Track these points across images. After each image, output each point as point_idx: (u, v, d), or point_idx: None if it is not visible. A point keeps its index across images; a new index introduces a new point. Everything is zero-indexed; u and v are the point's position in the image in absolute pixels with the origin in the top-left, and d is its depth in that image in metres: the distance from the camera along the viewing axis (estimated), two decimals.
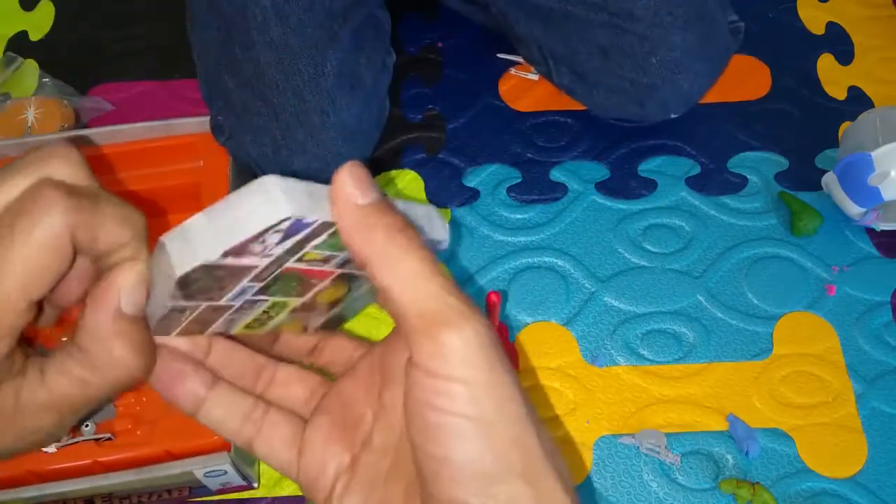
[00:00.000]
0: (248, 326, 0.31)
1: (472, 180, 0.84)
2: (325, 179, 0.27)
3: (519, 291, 0.77)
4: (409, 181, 0.85)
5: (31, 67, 0.92)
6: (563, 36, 0.79)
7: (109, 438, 0.63)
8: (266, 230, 0.25)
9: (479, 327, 0.25)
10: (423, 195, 0.83)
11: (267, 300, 0.29)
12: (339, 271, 0.30)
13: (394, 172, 0.85)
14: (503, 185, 0.84)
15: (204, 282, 0.26)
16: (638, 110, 0.82)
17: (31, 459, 0.61)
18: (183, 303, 0.27)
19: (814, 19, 0.96)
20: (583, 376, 0.73)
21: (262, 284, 0.28)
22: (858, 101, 0.89)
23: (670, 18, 0.75)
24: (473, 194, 0.83)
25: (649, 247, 0.80)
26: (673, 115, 0.82)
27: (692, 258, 0.79)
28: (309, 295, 0.30)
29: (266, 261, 0.27)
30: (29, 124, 0.83)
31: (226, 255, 0.25)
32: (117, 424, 0.63)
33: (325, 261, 0.29)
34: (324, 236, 0.27)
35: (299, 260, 0.28)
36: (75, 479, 0.60)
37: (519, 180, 0.84)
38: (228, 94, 0.71)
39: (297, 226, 0.26)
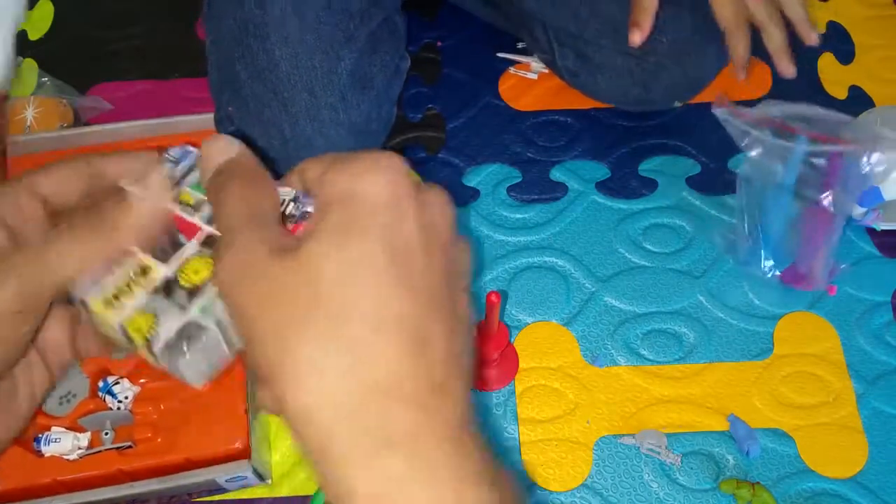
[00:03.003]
0: (107, 302, 0.31)
1: (472, 180, 0.84)
2: None
3: (519, 291, 0.77)
4: None
5: (30, 67, 0.92)
6: (573, 10, 0.78)
7: (130, 447, 0.63)
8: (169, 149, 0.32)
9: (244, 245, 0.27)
10: None
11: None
12: (207, 229, 0.31)
13: None
14: (503, 185, 0.84)
15: None
16: (642, 94, 0.80)
17: (56, 468, 0.61)
18: None
19: (814, 19, 0.96)
20: (583, 376, 0.73)
21: None
22: (859, 101, 0.88)
23: None
24: (473, 194, 0.83)
25: (650, 246, 0.79)
26: (677, 104, 0.80)
27: (693, 258, 0.78)
28: (174, 263, 0.31)
29: None
30: (28, 123, 0.83)
31: None
32: (137, 433, 0.63)
33: (196, 208, 0.31)
34: (196, 173, 0.31)
35: (174, 200, 0.31)
36: (101, 489, 0.60)
37: (519, 180, 0.84)
38: (240, 85, 0.71)
39: (185, 153, 0.32)
